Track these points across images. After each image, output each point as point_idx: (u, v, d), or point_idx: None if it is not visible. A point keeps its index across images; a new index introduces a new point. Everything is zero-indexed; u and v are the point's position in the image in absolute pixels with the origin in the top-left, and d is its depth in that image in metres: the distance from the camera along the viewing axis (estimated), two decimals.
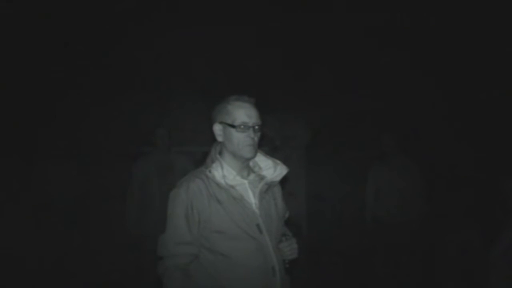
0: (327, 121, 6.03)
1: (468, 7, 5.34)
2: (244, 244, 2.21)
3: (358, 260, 5.54)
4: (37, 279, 4.91)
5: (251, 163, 2.43)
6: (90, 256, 5.27)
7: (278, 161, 2.46)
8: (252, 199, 2.31)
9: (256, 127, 2.28)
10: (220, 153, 2.37)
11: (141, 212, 4.83)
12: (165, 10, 5.66)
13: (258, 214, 2.28)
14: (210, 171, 2.28)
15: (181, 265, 2.22)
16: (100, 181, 5.62)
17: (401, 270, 5.18)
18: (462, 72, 5.65)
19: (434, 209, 5.23)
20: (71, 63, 5.56)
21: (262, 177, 2.40)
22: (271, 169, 2.42)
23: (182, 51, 5.77)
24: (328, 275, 5.61)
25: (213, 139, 2.38)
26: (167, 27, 5.66)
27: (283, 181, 2.52)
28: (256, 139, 2.29)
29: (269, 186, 2.40)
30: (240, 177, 2.33)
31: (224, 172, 2.28)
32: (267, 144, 5.74)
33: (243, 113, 2.27)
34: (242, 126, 2.25)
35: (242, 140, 2.26)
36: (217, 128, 2.33)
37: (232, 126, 2.26)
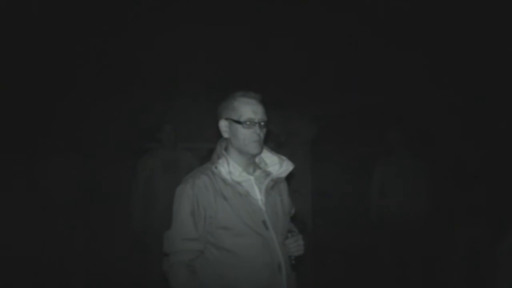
0: (332, 117, 6.02)
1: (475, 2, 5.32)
2: (250, 241, 2.21)
3: (363, 257, 5.54)
4: (41, 276, 4.92)
5: (257, 159, 2.43)
6: (94, 253, 5.28)
7: (284, 157, 2.45)
8: (258, 195, 2.31)
9: (262, 123, 2.28)
10: (226, 149, 2.37)
11: (146, 208, 4.83)
12: (170, 6, 5.65)
13: (264, 211, 2.28)
14: (216, 167, 2.27)
15: (187, 261, 2.22)
16: (105, 177, 5.62)
17: (406, 267, 5.16)
18: (471, 68, 5.62)
19: (440, 207, 5.21)
20: (76, 59, 5.56)
21: (268, 173, 2.40)
22: (277, 165, 2.42)
23: (187, 47, 5.76)
24: (333, 272, 5.61)
25: (219, 135, 2.37)
26: (173, 23, 5.65)
27: (289, 178, 2.52)
28: (262, 135, 2.29)
29: (275, 182, 2.40)
30: (246, 173, 2.33)
31: (230, 168, 2.28)
32: (272, 140, 5.73)
33: (249, 109, 2.26)
34: (248, 122, 2.24)
35: (248, 136, 2.25)
36: (223, 124, 2.33)
37: (238, 122, 2.25)
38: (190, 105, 5.85)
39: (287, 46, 5.85)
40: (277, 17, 5.73)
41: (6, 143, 5.09)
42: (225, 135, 2.34)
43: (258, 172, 2.39)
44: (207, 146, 2.66)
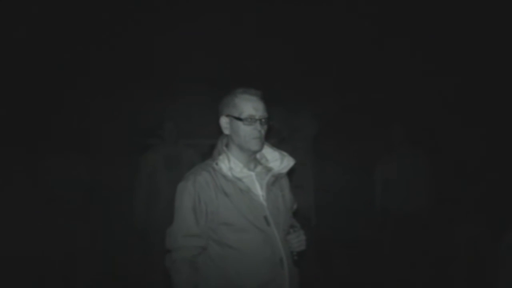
0: (334, 113, 6.02)
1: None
2: (251, 236, 2.22)
3: (366, 252, 5.54)
4: (44, 273, 4.93)
5: (258, 155, 2.44)
6: (97, 249, 5.29)
7: (285, 153, 2.46)
8: (259, 191, 2.32)
9: (263, 120, 2.28)
10: (227, 145, 2.38)
11: (149, 205, 4.84)
12: (172, 4, 5.65)
13: (266, 206, 2.29)
14: (217, 164, 2.29)
15: (189, 257, 2.23)
16: (107, 175, 5.63)
17: (408, 263, 5.16)
18: (472, 63, 5.60)
19: (441, 203, 5.21)
20: (77, 58, 5.57)
21: (269, 169, 2.41)
22: (278, 161, 2.43)
23: (188, 44, 5.76)
24: (336, 267, 5.61)
25: (220, 131, 2.38)
26: (174, 20, 5.66)
27: (291, 173, 2.52)
28: (263, 132, 2.29)
29: (276, 178, 2.41)
30: (247, 169, 2.34)
31: (231, 164, 2.29)
32: (274, 136, 5.72)
33: (250, 106, 2.27)
34: (249, 119, 2.25)
35: (249, 133, 2.26)
36: (224, 121, 2.34)
37: (239, 119, 2.26)
38: (192, 101, 5.85)
39: (289, 42, 5.84)
40: (279, 14, 5.73)
41: (8, 142, 5.10)
42: (226, 131, 2.35)
43: (259, 168, 2.40)
44: (208, 142, 2.67)
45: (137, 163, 4.99)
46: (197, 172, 2.28)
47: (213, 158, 2.34)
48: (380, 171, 5.29)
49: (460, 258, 5.01)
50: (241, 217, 2.22)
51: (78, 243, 5.11)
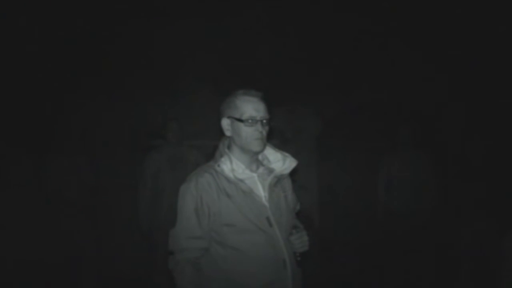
0: (338, 112, 6.01)
1: None
2: (254, 237, 2.23)
3: (370, 252, 5.53)
4: (48, 272, 4.94)
5: (260, 157, 2.44)
6: (101, 249, 5.30)
7: (287, 154, 2.47)
8: (261, 192, 2.32)
9: (264, 121, 2.29)
10: (229, 147, 2.38)
11: (152, 205, 4.85)
12: (176, 3, 5.66)
13: (268, 207, 2.29)
14: (218, 165, 2.29)
15: (192, 259, 2.25)
16: (111, 175, 5.65)
17: (413, 262, 5.16)
18: (476, 63, 5.58)
19: (446, 201, 5.20)
20: (82, 57, 5.58)
21: (271, 170, 2.41)
22: (280, 162, 2.43)
23: (193, 44, 5.77)
24: (340, 267, 5.61)
25: (222, 133, 2.38)
26: (179, 20, 5.67)
27: (294, 174, 2.53)
28: (264, 132, 2.29)
29: (279, 179, 2.41)
30: (249, 170, 2.34)
31: (233, 166, 2.29)
32: (278, 136, 5.74)
33: (251, 107, 2.27)
34: (250, 120, 2.25)
35: (250, 134, 2.26)
36: (225, 123, 2.34)
37: (240, 120, 2.26)
38: (196, 102, 5.86)
39: (293, 42, 5.84)
40: (282, 13, 5.73)
41: (12, 143, 5.11)
42: (228, 133, 2.35)
43: (261, 169, 2.40)
44: (213, 143, 2.68)
45: (141, 164, 4.99)
46: (199, 174, 2.28)
47: (215, 160, 2.35)
48: (385, 171, 5.27)
49: (465, 257, 5.00)
50: (243, 218, 2.22)
51: (82, 244, 5.12)
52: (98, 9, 5.46)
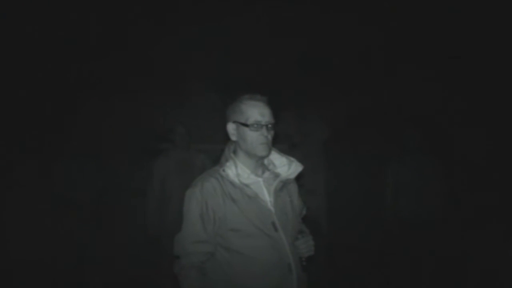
0: (345, 117, 6.01)
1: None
2: (259, 242, 2.23)
3: (377, 257, 5.51)
4: (56, 275, 4.96)
5: (265, 161, 2.44)
6: (108, 253, 5.31)
7: (292, 159, 2.47)
8: (267, 197, 2.32)
9: (270, 125, 2.29)
10: (235, 152, 2.39)
11: (160, 209, 4.86)
12: (184, 8, 5.68)
13: (273, 212, 2.29)
14: (224, 170, 2.30)
15: (197, 263, 2.25)
16: (119, 178, 5.67)
17: (421, 268, 5.13)
18: (485, 67, 5.56)
19: (453, 207, 5.17)
20: (91, 61, 5.61)
21: (276, 175, 2.41)
22: (286, 166, 2.44)
23: (200, 49, 5.79)
24: (347, 272, 5.59)
25: (228, 138, 2.39)
26: (187, 25, 5.69)
27: (300, 178, 2.53)
28: (269, 137, 2.30)
29: (284, 183, 2.41)
30: (255, 175, 2.34)
31: (238, 170, 2.30)
32: (286, 141, 5.74)
33: (256, 111, 2.28)
34: (255, 125, 2.26)
35: (255, 139, 2.27)
36: (231, 128, 2.35)
37: (246, 125, 2.27)
38: (203, 106, 5.88)
39: (301, 46, 5.84)
40: (290, 19, 5.73)
41: (21, 145, 5.15)
42: (233, 138, 2.36)
43: (266, 174, 2.40)
44: (220, 148, 2.68)
45: (149, 167, 5.01)
46: (205, 179, 2.29)
47: (220, 165, 2.36)
48: (392, 176, 5.24)
49: (472, 264, 4.97)
50: (248, 223, 2.23)
51: (89, 247, 5.14)
52: (107, 13, 5.49)
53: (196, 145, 5.21)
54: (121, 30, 5.58)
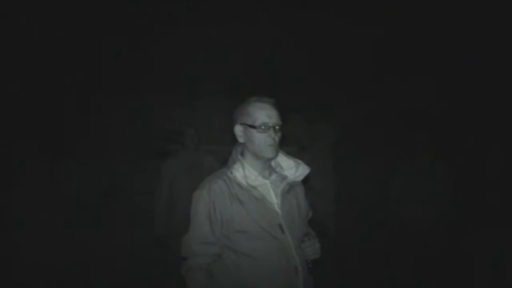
0: (353, 120, 6.00)
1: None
2: (266, 244, 2.23)
3: (384, 259, 5.49)
4: (62, 276, 4.97)
5: (272, 163, 2.45)
6: (116, 254, 5.33)
7: (300, 161, 2.47)
8: (274, 199, 2.33)
9: (277, 127, 2.30)
10: (242, 154, 2.40)
11: (168, 211, 4.87)
12: (193, 10, 5.70)
13: (280, 214, 2.30)
14: (231, 172, 2.31)
15: (204, 265, 2.26)
16: (128, 180, 5.69)
17: (427, 270, 5.11)
18: (493, 72, 5.53)
19: (461, 210, 5.14)
20: (98, 63, 5.64)
21: (284, 177, 2.42)
22: (293, 169, 2.44)
23: (209, 50, 5.80)
24: (354, 274, 5.58)
25: (235, 140, 2.40)
26: (194, 26, 5.70)
27: (307, 181, 2.53)
28: (277, 139, 2.30)
29: (291, 186, 2.42)
30: (262, 177, 2.35)
31: (245, 172, 2.31)
32: (295, 143, 5.74)
33: (263, 113, 2.29)
34: (262, 127, 2.27)
35: (263, 141, 2.28)
36: (238, 129, 2.36)
37: (253, 127, 2.28)
38: (212, 108, 5.88)
39: (309, 51, 5.85)
40: (300, 20, 5.73)
41: (30, 147, 5.17)
42: (241, 140, 2.37)
43: (274, 176, 2.41)
44: (229, 149, 2.69)
45: (158, 169, 5.02)
46: (212, 180, 2.30)
47: (228, 166, 2.36)
48: (399, 179, 5.22)
49: (480, 267, 4.94)
50: (255, 225, 2.23)
51: (97, 248, 5.16)
52: (118, 14, 5.52)
53: (204, 147, 5.21)
54: (131, 32, 5.60)
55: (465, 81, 5.63)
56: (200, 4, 5.67)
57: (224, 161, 2.52)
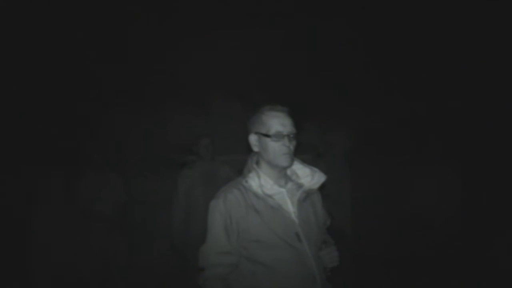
0: (369, 126, 5.97)
1: None
2: (283, 253, 2.22)
3: (403, 267, 5.44)
4: (79, 286, 5.00)
5: (288, 172, 2.44)
6: (133, 266, 5.35)
7: (315, 169, 2.46)
8: (290, 207, 2.32)
9: (291, 135, 2.29)
10: (257, 163, 2.39)
11: (185, 221, 4.86)
12: (207, 21, 5.73)
13: (297, 223, 2.29)
14: (246, 181, 2.31)
15: (221, 275, 2.25)
16: (144, 191, 5.71)
17: (447, 278, 5.05)
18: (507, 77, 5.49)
19: (479, 215, 5.09)
20: (115, 75, 5.68)
21: (300, 186, 2.41)
22: (309, 177, 2.43)
23: (223, 60, 5.82)
24: (373, 282, 5.53)
25: (250, 149, 2.40)
26: (209, 36, 5.72)
27: (325, 188, 2.51)
28: (291, 147, 2.30)
29: (308, 194, 2.40)
30: (278, 186, 2.35)
31: (261, 181, 2.30)
32: (310, 151, 5.72)
33: (277, 122, 2.28)
34: (277, 135, 2.27)
35: (277, 149, 2.27)
36: (253, 139, 2.36)
37: (267, 135, 2.28)
38: (227, 117, 5.89)
39: (324, 57, 5.84)
40: (312, 30, 5.73)
41: (47, 158, 5.22)
42: (255, 149, 2.37)
43: (290, 185, 2.40)
44: (245, 159, 2.68)
45: (174, 180, 5.02)
46: (228, 190, 2.30)
47: (243, 176, 2.36)
48: (416, 185, 5.19)
49: (498, 268, 4.88)
50: (272, 234, 2.22)
51: (114, 259, 5.18)
52: (132, 29, 5.56)
53: (220, 157, 5.21)
54: (146, 44, 5.64)
55: (481, 85, 5.59)
56: (214, 14, 5.70)
57: (240, 170, 2.51)
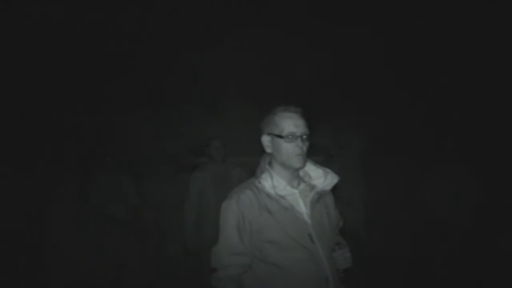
0: (382, 128, 5.95)
1: None
2: (296, 254, 2.21)
3: (417, 268, 5.41)
4: None
5: (301, 173, 2.43)
6: (147, 268, 5.36)
7: (328, 170, 2.45)
8: (303, 208, 2.31)
9: (304, 136, 2.28)
10: (270, 164, 2.38)
11: (198, 223, 4.86)
12: (219, 24, 5.74)
13: (310, 224, 2.28)
14: (259, 182, 2.30)
15: (234, 276, 2.25)
16: (156, 193, 5.73)
17: (462, 279, 5.01)
18: None
19: (494, 216, 5.05)
20: (127, 79, 5.71)
21: (312, 187, 2.40)
22: (322, 178, 2.42)
23: (236, 62, 5.82)
24: (386, 284, 5.50)
25: (263, 150, 2.39)
26: (221, 39, 5.73)
27: (336, 189, 2.50)
28: (304, 148, 2.29)
29: (320, 195, 2.39)
30: (291, 187, 2.34)
31: (274, 182, 2.30)
32: (322, 153, 5.70)
33: (290, 123, 2.28)
34: (290, 136, 2.26)
35: (290, 150, 2.26)
36: (266, 140, 2.35)
37: (280, 136, 2.27)
38: (239, 119, 5.90)
39: (336, 60, 5.83)
40: (325, 32, 5.72)
41: (60, 162, 5.26)
42: (268, 150, 2.36)
43: (302, 186, 2.39)
44: (257, 160, 2.67)
45: (186, 182, 5.03)
46: (241, 191, 2.29)
47: (256, 177, 2.36)
48: (430, 186, 5.16)
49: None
50: (285, 235, 2.22)
51: (127, 261, 5.20)
52: (146, 32, 5.58)
53: (232, 158, 5.21)
54: (159, 47, 5.66)
55: (494, 86, 5.55)
56: (225, 17, 5.71)
57: (252, 171, 2.51)
